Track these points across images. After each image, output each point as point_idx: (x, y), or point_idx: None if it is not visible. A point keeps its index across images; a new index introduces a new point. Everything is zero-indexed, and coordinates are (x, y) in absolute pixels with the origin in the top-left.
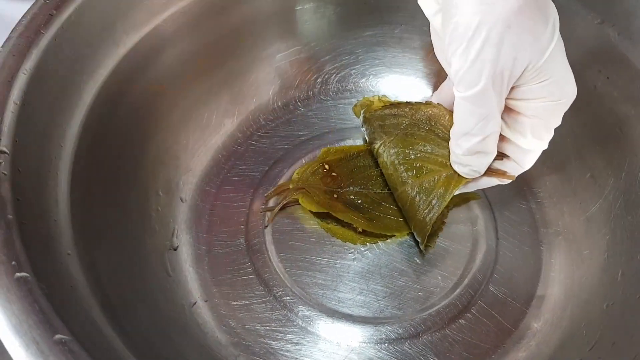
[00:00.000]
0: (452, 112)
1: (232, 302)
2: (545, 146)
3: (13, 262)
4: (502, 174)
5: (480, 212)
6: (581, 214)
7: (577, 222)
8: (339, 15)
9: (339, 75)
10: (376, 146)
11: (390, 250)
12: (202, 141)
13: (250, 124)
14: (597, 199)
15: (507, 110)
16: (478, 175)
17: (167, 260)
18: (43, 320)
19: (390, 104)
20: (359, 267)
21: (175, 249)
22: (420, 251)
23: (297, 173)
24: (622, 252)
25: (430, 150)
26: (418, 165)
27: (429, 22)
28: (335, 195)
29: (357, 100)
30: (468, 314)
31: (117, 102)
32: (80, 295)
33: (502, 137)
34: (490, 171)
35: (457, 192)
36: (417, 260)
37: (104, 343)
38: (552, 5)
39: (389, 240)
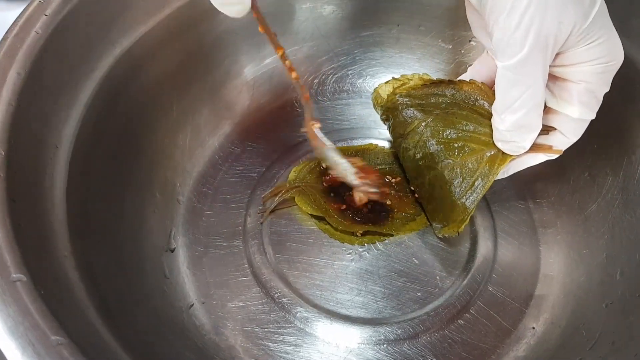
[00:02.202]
0: (493, 89)
1: (230, 304)
2: (593, 115)
3: (9, 264)
4: (548, 148)
5: (479, 212)
6: (579, 213)
7: (576, 222)
8: (336, 15)
9: (336, 75)
10: (414, 125)
11: (388, 251)
12: (198, 142)
13: (247, 124)
14: (596, 198)
15: (552, 78)
16: (523, 151)
17: (164, 262)
18: (39, 323)
19: (431, 83)
20: (357, 268)
21: (172, 251)
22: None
23: (294, 171)
24: (621, 251)
25: (472, 129)
26: (460, 144)
27: (426, 21)
28: (332, 194)
29: (355, 100)
30: (467, 315)
31: (113, 103)
32: (76, 297)
33: (546, 109)
34: (535, 146)
35: (501, 174)
36: (416, 261)
37: (100, 345)
38: None
39: (387, 241)
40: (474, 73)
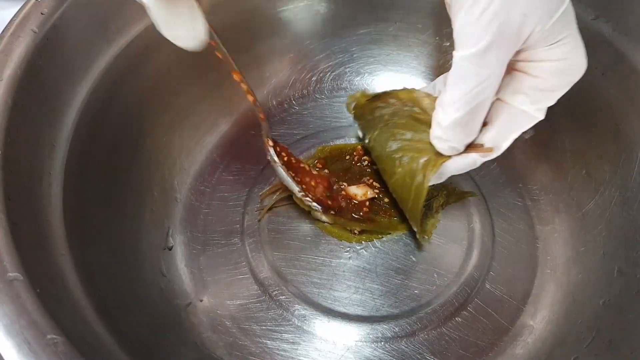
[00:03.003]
0: (431, 95)
1: (228, 302)
2: (540, 115)
3: (4, 263)
4: (479, 147)
5: (476, 209)
6: (577, 210)
7: (573, 219)
8: (333, 13)
9: (334, 73)
10: (367, 141)
11: (386, 249)
12: (196, 140)
13: (244, 123)
14: (593, 196)
15: (507, 70)
16: (456, 152)
17: (162, 260)
18: (35, 321)
19: (373, 97)
20: (354, 266)
21: (170, 249)
22: (419, 243)
23: None
24: (619, 248)
25: (409, 137)
26: (400, 155)
27: (423, 18)
28: (328, 193)
29: None
30: (464, 312)
31: (110, 101)
32: (73, 295)
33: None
34: (469, 147)
35: (435, 179)
36: (413, 258)
37: (97, 343)
38: None
39: (384, 239)
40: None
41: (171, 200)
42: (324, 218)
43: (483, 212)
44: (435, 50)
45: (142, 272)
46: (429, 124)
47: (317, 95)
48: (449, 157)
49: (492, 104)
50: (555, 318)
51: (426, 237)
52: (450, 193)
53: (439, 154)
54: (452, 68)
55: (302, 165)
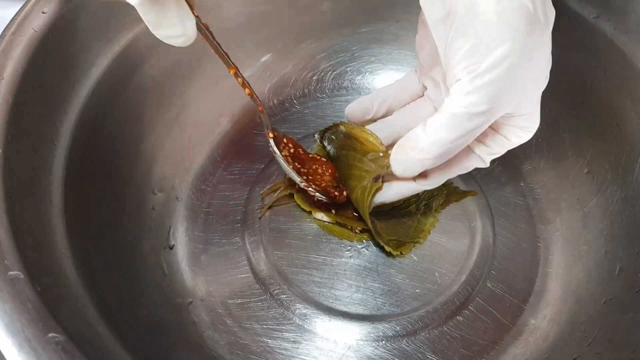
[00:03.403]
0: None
1: (229, 301)
2: (487, 164)
3: (5, 261)
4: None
5: (478, 208)
6: (579, 209)
7: (575, 218)
8: (334, 12)
9: (335, 72)
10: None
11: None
12: (197, 140)
13: (245, 122)
14: (595, 194)
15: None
16: (410, 176)
17: (163, 259)
18: (36, 319)
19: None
20: (355, 265)
21: (171, 248)
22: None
23: None
24: (620, 247)
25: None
26: (353, 183)
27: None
28: (335, 184)
29: (354, 96)
30: (466, 311)
31: (111, 100)
32: (74, 294)
33: None
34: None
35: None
36: (414, 257)
37: (97, 342)
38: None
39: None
40: (397, 92)
41: (172, 199)
42: (325, 218)
43: (484, 211)
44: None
45: (143, 271)
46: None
47: (318, 95)
48: (381, 185)
49: None
50: (557, 317)
51: (400, 253)
52: (452, 192)
53: (374, 182)
54: (442, 114)
55: (310, 155)
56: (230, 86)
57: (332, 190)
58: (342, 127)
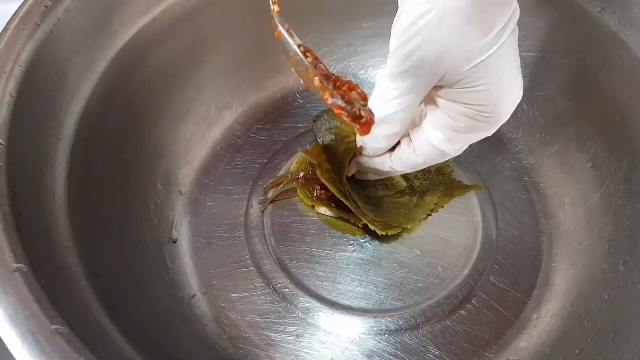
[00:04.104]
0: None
1: (232, 294)
2: (452, 153)
3: (9, 254)
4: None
5: (481, 203)
6: (582, 204)
7: (578, 212)
8: (337, 6)
9: (338, 67)
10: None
11: (390, 242)
12: (200, 134)
13: (249, 116)
14: (599, 189)
15: (430, 100)
16: (377, 153)
17: (166, 253)
18: (39, 311)
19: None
20: (358, 259)
21: (174, 242)
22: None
23: (296, 163)
24: (624, 241)
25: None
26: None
27: None
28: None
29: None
30: (468, 305)
31: (114, 94)
32: (77, 287)
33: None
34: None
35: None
36: (417, 252)
37: (101, 334)
38: (511, 13)
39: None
40: None
41: (175, 193)
42: (328, 212)
43: (487, 205)
44: None
45: (147, 264)
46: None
47: None
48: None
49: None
50: (560, 311)
51: (386, 234)
52: (455, 186)
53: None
54: (384, 74)
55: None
56: (233, 80)
57: (358, 107)
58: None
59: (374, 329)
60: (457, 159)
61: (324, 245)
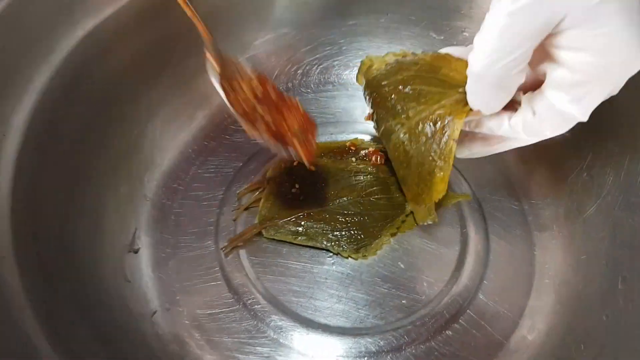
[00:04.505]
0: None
1: (198, 311)
2: (580, 117)
3: None
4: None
5: (470, 213)
6: (578, 215)
7: (574, 225)
8: (320, 2)
9: (321, 66)
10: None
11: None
12: (171, 134)
13: (224, 117)
14: (595, 200)
15: (549, 59)
16: (491, 112)
17: (126, 264)
18: None
19: (395, 60)
20: (338, 273)
21: (136, 252)
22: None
23: (273, 167)
24: (623, 256)
25: (434, 92)
26: (422, 106)
27: (417, 10)
28: (302, 198)
29: (340, 92)
30: (456, 325)
31: (73, 90)
32: (12, 303)
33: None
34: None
35: (464, 153)
36: (402, 265)
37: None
38: None
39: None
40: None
41: (139, 198)
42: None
43: (477, 216)
44: (429, 44)
45: (102, 276)
46: (458, 85)
47: (303, 89)
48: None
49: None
50: (555, 332)
51: (432, 221)
52: (443, 196)
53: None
54: (487, 16)
55: (285, 98)
56: (207, 79)
57: (291, 139)
58: (427, 58)
59: (353, 350)
60: None
61: (301, 258)
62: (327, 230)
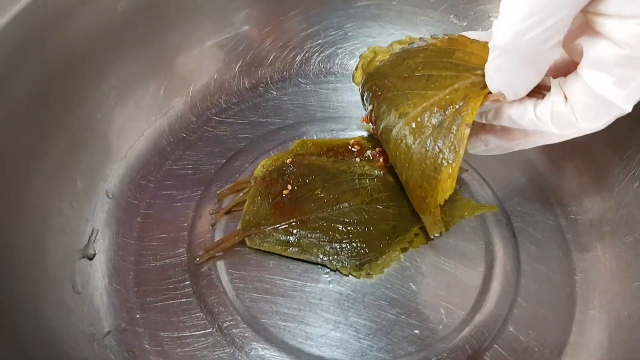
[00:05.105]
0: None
1: (162, 333)
2: (625, 107)
3: None
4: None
5: (496, 227)
6: (627, 234)
7: (622, 245)
8: None
9: (323, 54)
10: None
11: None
12: (142, 122)
13: (207, 105)
14: None
15: (589, 32)
16: (513, 97)
17: (76, 273)
18: None
19: (401, 49)
20: (335, 293)
21: (90, 258)
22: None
23: (262, 166)
24: None
25: (443, 75)
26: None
27: None
28: (292, 224)
29: (344, 84)
30: None
31: (19, 62)
32: None
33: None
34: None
35: (478, 148)
36: (413, 287)
37: None
38: None
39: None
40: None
41: (100, 194)
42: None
43: (505, 231)
44: (449, 31)
45: (45, 286)
46: (474, 68)
47: (301, 80)
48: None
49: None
50: None
51: (439, 232)
52: (464, 206)
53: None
54: None
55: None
56: (189, 59)
57: None
58: (437, 43)
59: None
60: (467, 173)
61: (291, 273)
62: (324, 241)
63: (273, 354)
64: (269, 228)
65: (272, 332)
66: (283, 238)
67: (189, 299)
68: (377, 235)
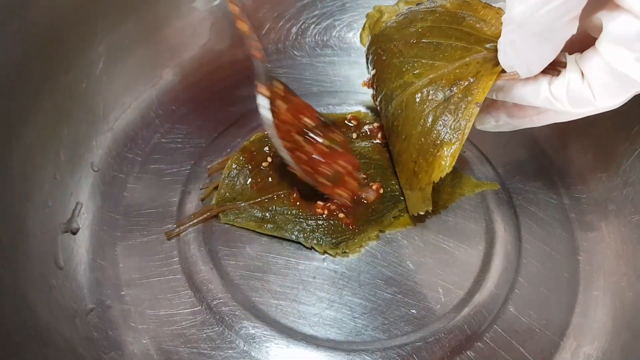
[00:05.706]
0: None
1: (148, 311)
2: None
3: None
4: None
5: (497, 206)
6: (633, 212)
7: (628, 225)
8: None
9: (320, 26)
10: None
11: (373, 249)
12: (130, 92)
13: (198, 76)
14: None
15: (608, 6)
16: (527, 75)
17: (59, 247)
18: None
19: (408, 9)
20: (330, 271)
21: (74, 233)
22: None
23: (255, 140)
24: None
25: (455, 46)
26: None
27: None
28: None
29: (341, 58)
30: (479, 344)
31: (6, 20)
32: None
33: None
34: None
35: (489, 125)
36: (411, 265)
37: None
38: None
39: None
40: None
41: (84, 167)
42: None
43: (506, 210)
44: None
45: (25, 260)
46: (486, 40)
47: (296, 52)
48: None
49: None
50: (606, 357)
51: (422, 210)
52: (464, 183)
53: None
54: None
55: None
56: (179, 28)
57: (349, 192)
58: (447, 5)
59: None
60: (467, 149)
61: (283, 250)
62: (301, 217)
63: (264, 332)
64: (244, 204)
65: (263, 310)
66: (259, 214)
67: (177, 276)
68: (355, 215)
